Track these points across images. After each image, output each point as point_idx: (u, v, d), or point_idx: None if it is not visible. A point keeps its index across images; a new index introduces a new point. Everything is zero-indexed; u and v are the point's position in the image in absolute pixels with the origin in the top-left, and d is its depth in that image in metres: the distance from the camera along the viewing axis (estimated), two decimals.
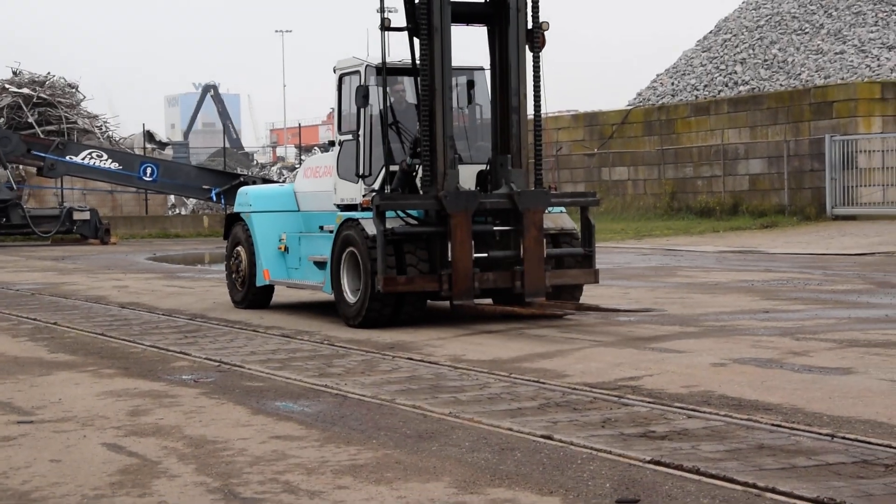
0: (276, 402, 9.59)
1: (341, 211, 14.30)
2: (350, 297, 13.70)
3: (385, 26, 13.14)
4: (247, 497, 6.66)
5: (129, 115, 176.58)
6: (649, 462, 7.12)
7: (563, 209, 14.39)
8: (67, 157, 37.44)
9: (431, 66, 13.09)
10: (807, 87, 32.54)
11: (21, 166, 40.36)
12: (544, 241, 13.20)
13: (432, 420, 8.64)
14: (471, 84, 14.29)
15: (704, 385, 9.67)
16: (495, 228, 13.42)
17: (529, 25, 13.57)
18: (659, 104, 36.71)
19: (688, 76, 39.72)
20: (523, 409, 8.95)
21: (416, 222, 13.37)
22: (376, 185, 13.78)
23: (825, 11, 37.71)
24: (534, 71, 13.88)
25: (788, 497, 6.27)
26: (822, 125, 29.70)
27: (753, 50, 38.17)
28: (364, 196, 13.66)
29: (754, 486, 6.50)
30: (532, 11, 13.58)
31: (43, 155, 37.23)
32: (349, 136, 14.47)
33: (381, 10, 13.13)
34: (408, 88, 14.75)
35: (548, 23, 13.76)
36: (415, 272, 13.05)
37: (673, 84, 39.82)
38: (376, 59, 13.68)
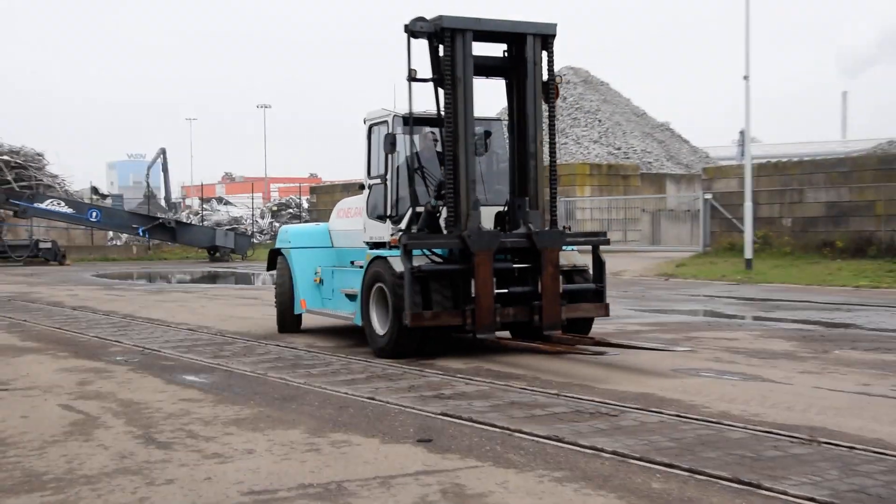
0: (183, 375, 9.38)
1: (370, 248, 11.38)
2: (379, 329, 10.51)
3: (412, 77, 10.45)
4: (161, 441, 6.50)
5: (77, 174, 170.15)
6: (440, 414, 7.19)
7: (574, 248, 11.39)
8: (36, 204, 36.91)
9: (455, 115, 10.37)
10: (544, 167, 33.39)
11: (2, 210, 39.36)
12: (560, 277, 10.48)
13: (293, 387, 8.57)
14: (488, 133, 11.64)
15: (477, 362, 9.80)
16: (514, 266, 10.55)
17: (545, 78, 10.79)
18: None
19: None
20: (356, 379, 8.94)
21: (440, 260, 10.45)
22: (403, 225, 10.86)
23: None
24: (549, 120, 11.16)
25: (529, 435, 6.41)
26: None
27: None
28: (392, 235, 10.79)
29: (507, 428, 6.63)
30: (548, 65, 10.80)
31: (18, 202, 36.62)
32: (377, 181, 11.45)
33: (409, 63, 10.38)
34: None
35: (561, 76, 11.91)
36: (440, 308, 10.07)
37: None
38: (404, 110, 10.97)
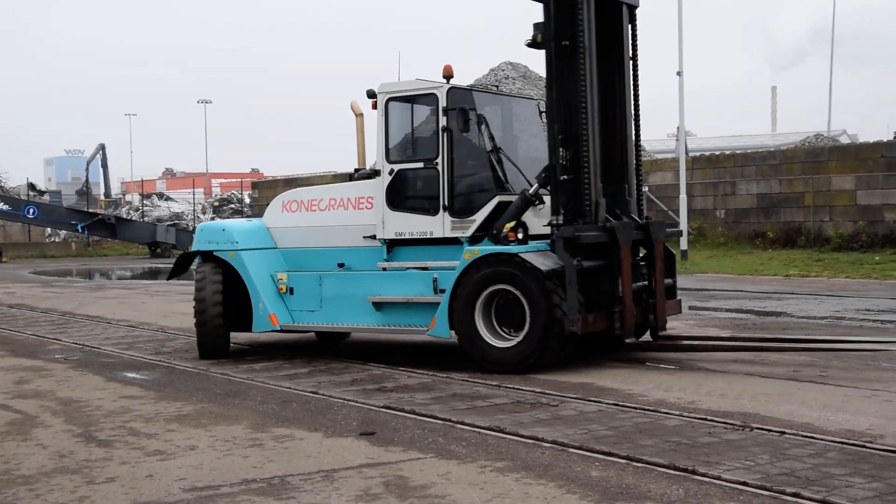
0: (124, 373, 9.23)
1: (380, 245, 9.42)
2: (492, 340, 8.55)
3: (536, 43, 8.72)
4: (102, 439, 6.40)
5: (16, 171, 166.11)
6: (382, 407, 7.18)
7: None
8: None
9: (587, 88, 8.55)
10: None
11: None
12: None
13: (235, 383, 8.49)
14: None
15: (419, 355, 9.80)
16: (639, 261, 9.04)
17: (631, 54, 9.26)
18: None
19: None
20: (298, 374, 8.89)
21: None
22: (478, 218, 8.94)
23: None
24: (635, 101, 9.36)
25: (471, 426, 6.43)
26: None
27: None
28: (511, 229, 8.71)
29: (450, 420, 6.65)
30: (632, 40, 9.26)
31: None
32: (418, 164, 9.17)
33: (546, 26, 8.68)
34: (491, 115, 9.39)
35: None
36: (593, 310, 8.50)
37: None
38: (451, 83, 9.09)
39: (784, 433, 5.97)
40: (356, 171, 10.05)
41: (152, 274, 28.27)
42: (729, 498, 4.76)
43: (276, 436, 6.35)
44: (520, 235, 8.63)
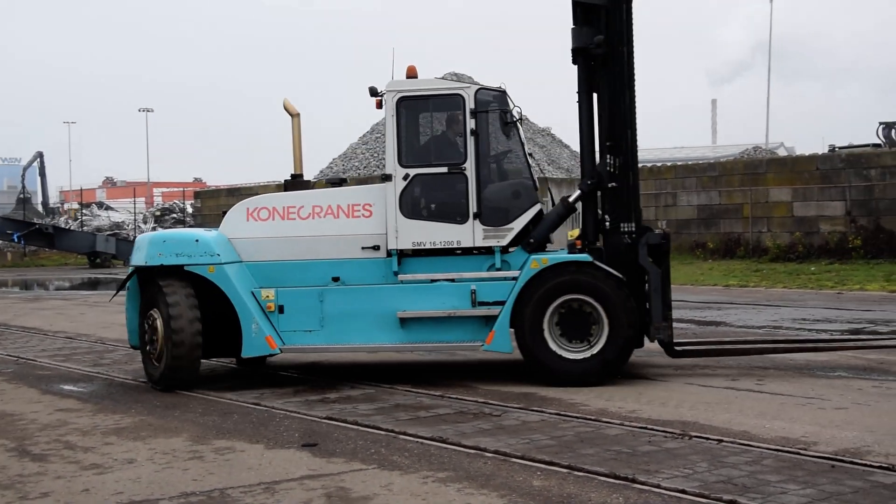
0: (61, 385, 9.05)
1: (384, 256, 8.60)
2: (560, 352, 8.24)
3: (584, 50, 8.54)
4: (36, 453, 6.26)
5: None
6: (325, 418, 7.15)
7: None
8: None
9: (634, 95, 8.59)
10: (312, 180, 33.61)
11: None
12: None
13: (175, 395, 8.37)
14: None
15: (363, 367, 9.77)
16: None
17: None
18: (338, 178, 36.97)
19: (353, 160, 40.17)
20: (240, 385, 8.79)
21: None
22: (516, 226, 8.51)
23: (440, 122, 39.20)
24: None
25: (413, 437, 6.43)
26: None
27: None
28: (577, 237, 8.61)
29: (392, 430, 6.64)
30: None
31: None
32: (441, 169, 8.52)
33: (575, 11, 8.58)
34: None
35: None
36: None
37: (343, 165, 40.22)
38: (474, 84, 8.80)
39: (722, 441, 6.06)
40: (293, 176, 9.47)
41: (91, 284, 27.78)
42: None
43: (217, 448, 6.28)
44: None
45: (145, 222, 47.79)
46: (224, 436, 6.65)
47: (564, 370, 8.21)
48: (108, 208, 52.13)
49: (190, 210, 42.18)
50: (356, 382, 8.70)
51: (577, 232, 8.68)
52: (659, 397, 7.63)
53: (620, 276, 8.22)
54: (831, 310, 13.91)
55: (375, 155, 39.39)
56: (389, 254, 8.59)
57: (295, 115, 9.75)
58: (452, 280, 8.53)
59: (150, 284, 8.82)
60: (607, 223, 8.63)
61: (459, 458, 5.84)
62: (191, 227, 40.56)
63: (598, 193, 8.68)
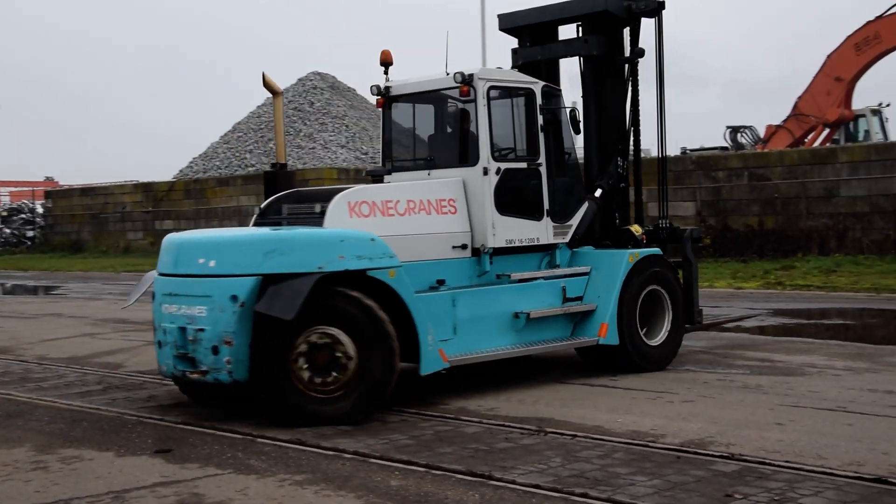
0: None
1: (473, 255, 8.04)
2: (650, 339, 8.75)
3: (640, 54, 9.12)
4: None
5: None
6: (180, 423, 6.97)
7: None
8: None
9: (640, 101, 9.29)
10: (293, 170, 33.24)
11: None
12: None
13: (19, 402, 8.00)
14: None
15: None
16: None
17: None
18: (195, 178, 36.07)
19: (214, 159, 39.32)
20: (91, 391, 8.48)
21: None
22: (574, 222, 8.65)
23: (302, 121, 38.70)
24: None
25: (271, 440, 6.31)
26: None
27: (257, 144, 38.48)
28: (642, 232, 9.18)
29: (250, 434, 6.50)
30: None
31: None
32: (522, 164, 8.29)
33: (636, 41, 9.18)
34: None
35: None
36: None
37: (204, 164, 39.33)
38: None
39: (576, 436, 6.22)
40: (276, 165, 8.42)
41: None
42: (522, 501, 4.91)
43: (64, 457, 6.03)
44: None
45: None
46: (72, 444, 6.39)
47: (650, 356, 8.66)
48: None
49: (40, 210, 40.30)
50: None
51: (638, 227, 9.19)
52: (517, 395, 7.76)
53: (676, 269, 9.05)
54: None
55: (237, 154, 38.71)
56: (474, 252, 8.06)
57: (278, 94, 8.93)
58: (545, 278, 8.45)
59: (317, 296, 6.75)
60: (617, 220, 9.25)
61: (318, 461, 5.80)
62: (40, 227, 38.79)
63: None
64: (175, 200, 33.72)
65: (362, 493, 5.12)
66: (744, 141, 29.54)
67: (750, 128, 29.95)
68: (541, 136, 8.39)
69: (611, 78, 9.22)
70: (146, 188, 34.96)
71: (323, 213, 7.37)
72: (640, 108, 9.28)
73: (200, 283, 6.89)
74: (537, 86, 8.47)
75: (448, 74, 8.19)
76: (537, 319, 8.20)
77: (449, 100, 8.50)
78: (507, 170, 8.17)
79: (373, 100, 8.79)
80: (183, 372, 7.03)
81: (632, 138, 9.31)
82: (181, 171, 40.52)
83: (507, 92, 8.38)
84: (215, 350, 6.73)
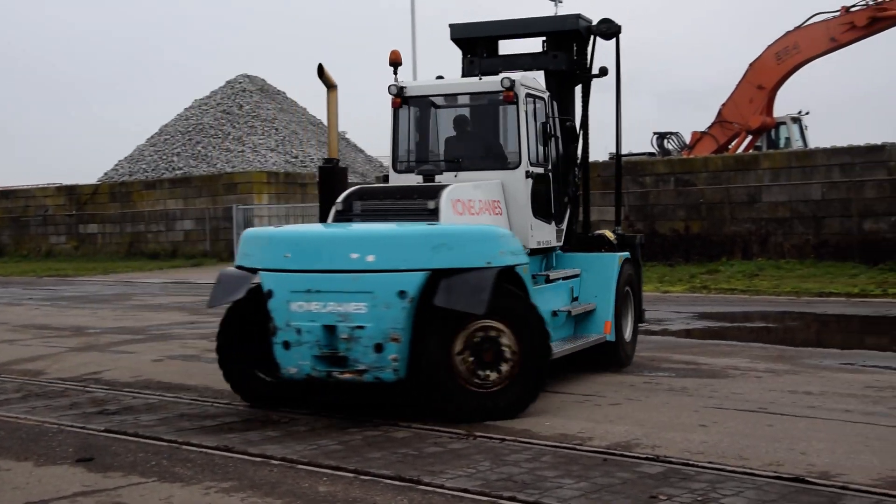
0: None
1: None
2: (625, 335, 9.34)
3: (604, 72, 9.60)
4: None
5: None
6: (103, 431, 6.83)
7: None
8: None
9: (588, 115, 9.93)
10: (220, 173, 32.84)
11: None
12: None
13: None
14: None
15: (146, 375, 9.40)
16: None
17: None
18: (120, 181, 35.38)
19: (140, 162, 38.62)
20: (10, 399, 8.24)
21: None
22: (564, 226, 9.19)
23: (231, 124, 38.25)
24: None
25: (197, 447, 6.25)
26: (231, 198, 30.07)
27: (185, 147, 37.91)
28: (614, 232, 9.89)
29: (175, 441, 6.42)
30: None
31: None
32: (541, 169, 8.55)
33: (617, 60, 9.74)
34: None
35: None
36: None
37: (130, 167, 38.60)
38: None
39: (504, 440, 6.25)
40: (331, 161, 8.41)
41: None
42: None
43: None
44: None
45: None
46: None
47: (628, 351, 9.35)
48: None
49: None
50: (139, 392, 8.37)
51: (610, 233, 9.80)
52: None
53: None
54: None
55: (164, 157, 38.07)
56: None
57: (333, 88, 8.79)
58: (563, 279, 8.81)
59: None
60: (577, 224, 9.83)
61: (245, 467, 5.73)
62: None
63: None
64: (100, 204, 33.05)
65: (290, 499, 5.08)
66: (670, 147, 30.01)
67: (676, 134, 30.44)
68: (551, 141, 8.73)
69: (570, 92, 9.78)
70: (70, 191, 34.19)
71: (436, 210, 7.33)
72: (589, 121, 9.79)
73: (356, 279, 6.62)
74: (546, 95, 8.87)
75: (480, 79, 8.54)
76: (562, 318, 8.50)
77: (482, 104, 8.63)
78: (535, 174, 8.46)
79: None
80: (328, 373, 6.72)
81: (580, 149, 9.78)
82: (106, 173, 39.73)
83: (533, 100, 8.59)
84: (378, 348, 6.55)
